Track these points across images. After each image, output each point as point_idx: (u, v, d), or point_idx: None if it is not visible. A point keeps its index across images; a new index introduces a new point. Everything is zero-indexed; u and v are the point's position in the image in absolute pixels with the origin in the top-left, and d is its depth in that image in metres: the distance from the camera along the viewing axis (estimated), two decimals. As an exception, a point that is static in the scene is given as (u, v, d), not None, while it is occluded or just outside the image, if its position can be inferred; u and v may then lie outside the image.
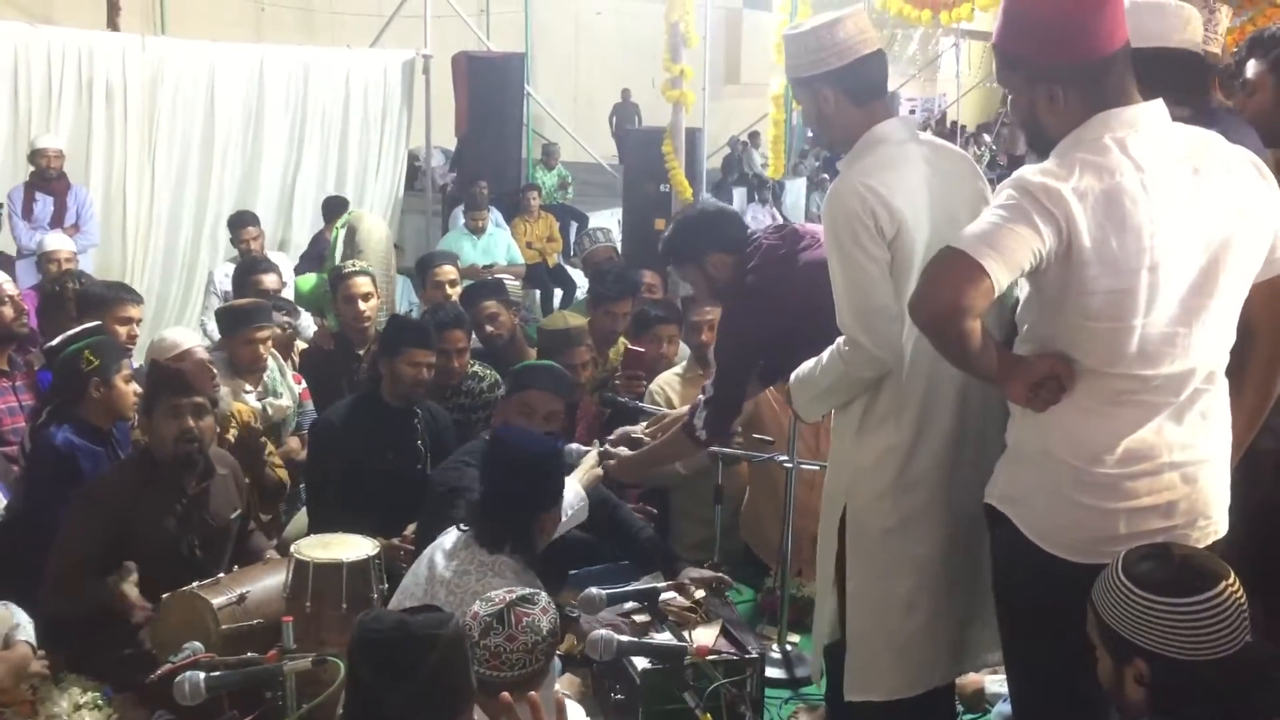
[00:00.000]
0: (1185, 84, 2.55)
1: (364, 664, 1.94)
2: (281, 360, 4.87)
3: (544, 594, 2.59)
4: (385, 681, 1.92)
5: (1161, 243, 2.01)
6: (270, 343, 4.71)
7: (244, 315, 4.65)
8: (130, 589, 3.24)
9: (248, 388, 4.59)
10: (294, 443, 4.61)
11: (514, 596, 2.51)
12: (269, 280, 5.54)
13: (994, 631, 2.59)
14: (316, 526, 3.97)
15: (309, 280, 6.80)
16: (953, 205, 2.47)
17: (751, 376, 3.19)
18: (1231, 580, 1.87)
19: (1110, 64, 2.08)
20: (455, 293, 5.48)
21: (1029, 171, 2.06)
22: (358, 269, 5.28)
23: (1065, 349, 2.11)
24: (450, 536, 3.08)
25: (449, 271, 5.61)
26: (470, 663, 2.13)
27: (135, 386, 3.84)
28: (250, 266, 5.70)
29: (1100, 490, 2.11)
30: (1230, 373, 2.17)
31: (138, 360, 4.70)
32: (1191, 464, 2.12)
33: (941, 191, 2.48)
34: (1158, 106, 2.12)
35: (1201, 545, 2.13)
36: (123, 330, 4.54)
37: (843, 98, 2.56)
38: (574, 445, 3.73)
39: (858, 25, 2.55)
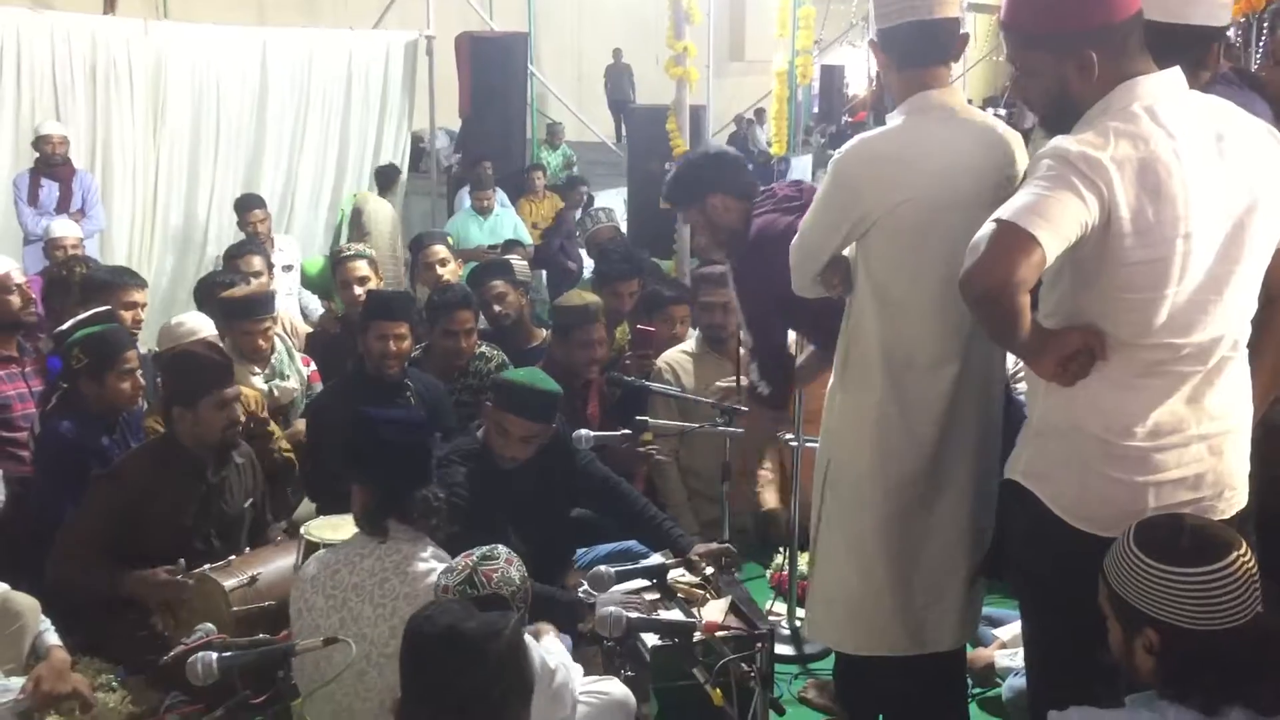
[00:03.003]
0: (1196, 58, 2.53)
1: (420, 667, 1.98)
2: (289, 343, 4.88)
3: (500, 546, 2.66)
4: (445, 684, 1.98)
5: (1195, 211, 2.00)
6: (273, 330, 4.71)
7: (244, 306, 4.63)
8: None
9: (255, 370, 4.60)
10: (301, 425, 4.62)
11: (474, 558, 2.57)
12: (257, 262, 5.54)
13: (957, 616, 2.66)
14: (322, 508, 3.99)
15: (316, 263, 6.81)
16: (984, 182, 2.42)
17: (778, 323, 3.18)
18: (1243, 550, 1.87)
19: (1130, 27, 2.07)
20: (446, 272, 5.45)
21: (1067, 141, 2.02)
22: (354, 252, 5.28)
23: (1096, 321, 2.09)
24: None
25: (438, 251, 5.59)
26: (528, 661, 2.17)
27: (138, 378, 3.84)
28: (238, 249, 5.68)
29: (1130, 464, 2.10)
30: (1250, 339, 2.16)
31: (146, 345, 4.71)
32: (1218, 435, 2.12)
33: (959, 169, 2.44)
34: (1176, 74, 2.10)
35: (1227, 516, 2.13)
36: (128, 315, 4.54)
37: (891, 59, 2.53)
38: (583, 431, 3.73)
39: None
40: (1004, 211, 1.99)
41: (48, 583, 3.30)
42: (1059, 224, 1.94)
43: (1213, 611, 1.83)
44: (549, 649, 2.77)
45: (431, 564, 2.72)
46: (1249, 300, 2.12)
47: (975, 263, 2.00)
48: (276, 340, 4.74)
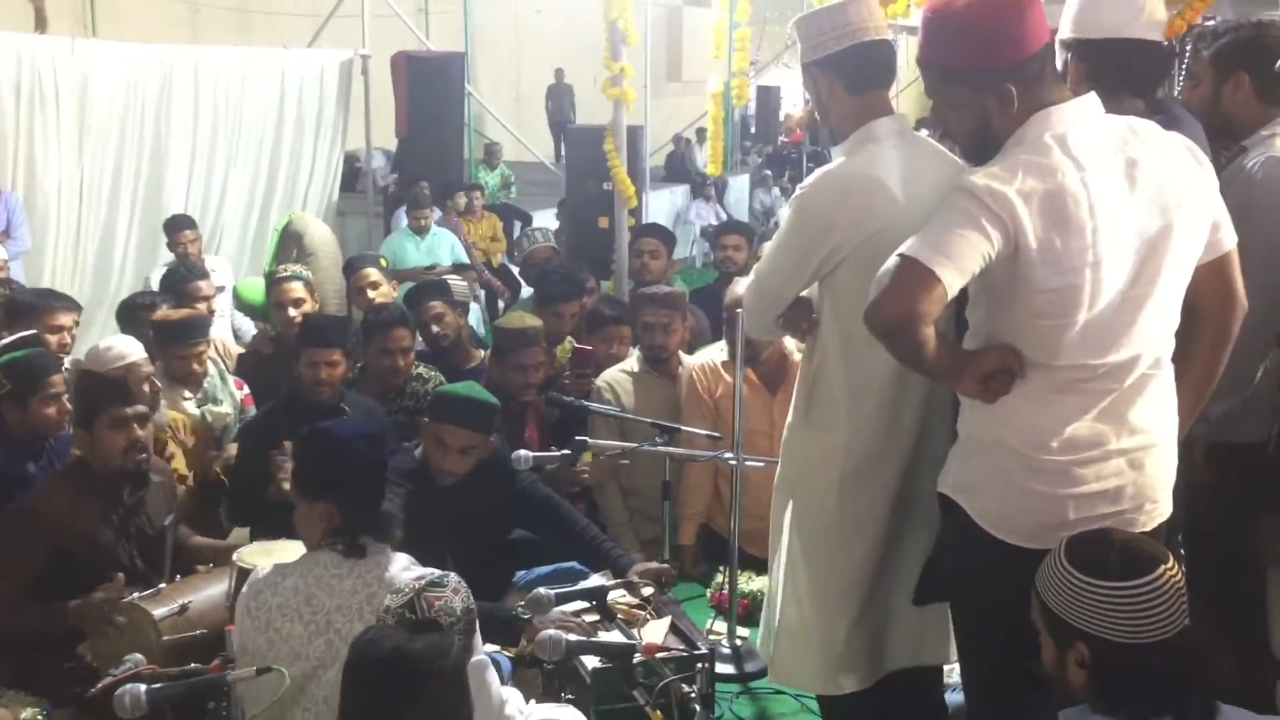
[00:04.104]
0: (1144, 75, 2.60)
1: (363, 690, 1.94)
2: (223, 366, 4.80)
3: (452, 574, 2.59)
4: (388, 709, 1.93)
5: (1103, 238, 2.04)
6: (206, 354, 4.62)
7: (180, 330, 4.52)
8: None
9: (187, 394, 4.51)
10: (234, 450, 4.54)
11: (422, 583, 2.51)
12: (205, 287, 5.45)
13: (915, 636, 2.67)
14: (253, 533, 3.92)
15: (256, 289, 6.66)
16: (930, 209, 2.45)
17: None
18: (1170, 565, 1.91)
19: (1045, 58, 2.13)
20: (377, 295, 5.38)
21: (976, 175, 2.08)
22: (290, 274, 5.20)
23: (1012, 343, 2.14)
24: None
25: (369, 274, 5.52)
26: (467, 689, 2.13)
27: (64, 403, 3.75)
28: (184, 274, 5.54)
29: (1049, 477, 2.15)
30: (1176, 354, 2.22)
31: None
32: (1138, 450, 2.16)
33: (924, 194, 2.42)
34: (1091, 100, 2.16)
35: (1148, 528, 2.18)
36: (53, 339, 4.43)
37: (838, 84, 2.52)
38: (522, 452, 3.70)
39: (867, 9, 2.50)
40: (908, 246, 2.04)
41: None
42: (959, 259, 2.00)
43: (1141, 625, 1.86)
44: (492, 681, 2.74)
45: (415, 570, 2.66)
46: (1168, 319, 2.17)
47: (878, 297, 2.05)
48: (210, 364, 4.66)
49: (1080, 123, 2.12)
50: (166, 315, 4.61)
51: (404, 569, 2.67)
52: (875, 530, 2.57)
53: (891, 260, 2.05)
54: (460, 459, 3.62)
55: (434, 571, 2.58)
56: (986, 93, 2.13)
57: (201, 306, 5.17)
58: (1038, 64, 2.12)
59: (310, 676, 2.55)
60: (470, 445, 3.63)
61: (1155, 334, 2.15)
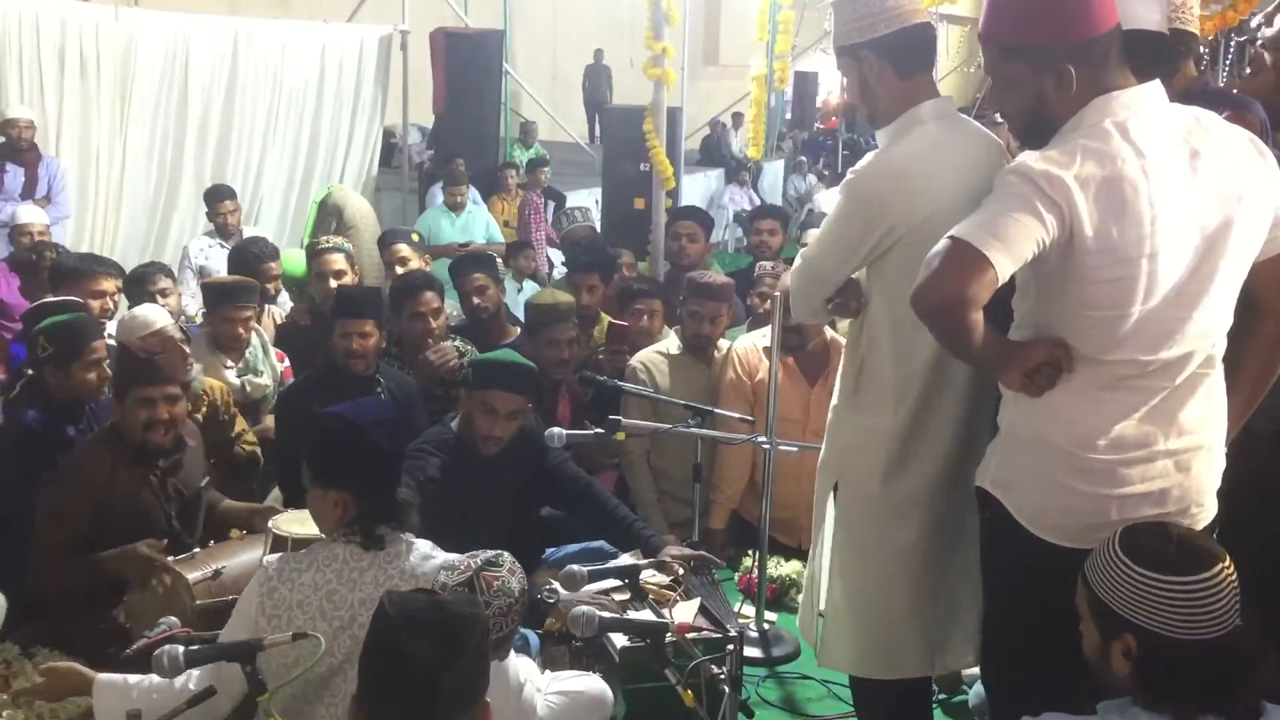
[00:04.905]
0: (1151, 65, 2.55)
1: (418, 641, 1.91)
2: (266, 338, 4.82)
3: (505, 554, 2.61)
4: (442, 657, 1.90)
5: (1161, 229, 2.00)
6: (252, 321, 4.66)
7: (231, 291, 4.60)
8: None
9: (228, 363, 4.55)
10: (270, 420, 4.58)
11: (479, 562, 2.53)
12: (275, 268, 5.47)
13: (974, 636, 2.60)
14: (290, 501, 3.95)
15: (299, 263, 6.69)
16: (979, 193, 2.38)
17: None
18: (1227, 563, 1.88)
19: (1109, 41, 2.08)
20: (405, 272, 5.35)
21: (1031, 158, 2.03)
22: (331, 245, 5.22)
23: (1062, 335, 2.10)
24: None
25: (399, 250, 5.55)
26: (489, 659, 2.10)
27: (105, 369, 3.78)
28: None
29: (1094, 476, 2.10)
30: (1228, 353, 2.16)
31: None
32: (1186, 451, 2.12)
33: (972, 178, 2.39)
34: (1155, 88, 2.11)
35: None
36: (96, 304, 4.49)
37: (888, 67, 2.47)
38: (556, 429, 3.71)
39: None
40: (959, 229, 1.99)
41: (32, 595, 3.26)
42: (1013, 244, 1.95)
43: (1195, 621, 1.83)
44: (518, 663, 2.74)
45: (437, 558, 2.62)
46: (1223, 317, 2.12)
47: (927, 279, 2.01)
48: (254, 334, 4.69)
49: (1142, 110, 2.06)
50: (215, 280, 4.67)
51: (424, 558, 2.61)
52: (920, 517, 2.54)
53: (942, 242, 2.01)
54: (507, 424, 3.66)
55: (486, 552, 2.58)
56: (1045, 72, 2.08)
57: (270, 286, 5.26)
58: (1102, 46, 2.07)
59: (335, 672, 2.48)
60: (517, 409, 3.68)
61: (1209, 331, 2.10)
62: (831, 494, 2.64)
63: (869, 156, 2.53)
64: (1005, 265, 1.97)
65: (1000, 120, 3.06)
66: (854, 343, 2.62)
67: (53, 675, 2.68)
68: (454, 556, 2.64)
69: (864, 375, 2.57)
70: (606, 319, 5.09)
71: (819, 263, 2.56)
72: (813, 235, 5.41)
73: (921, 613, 2.58)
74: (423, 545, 2.65)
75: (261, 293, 4.97)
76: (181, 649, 2.32)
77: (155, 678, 2.44)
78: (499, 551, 2.61)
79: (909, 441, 2.52)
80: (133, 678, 2.58)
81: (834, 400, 2.70)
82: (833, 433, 2.68)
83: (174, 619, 2.72)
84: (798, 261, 2.66)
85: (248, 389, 4.54)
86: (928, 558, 2.55)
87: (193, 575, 3.14)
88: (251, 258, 5.38)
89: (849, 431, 2.62)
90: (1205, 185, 2.04)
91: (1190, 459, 2.12)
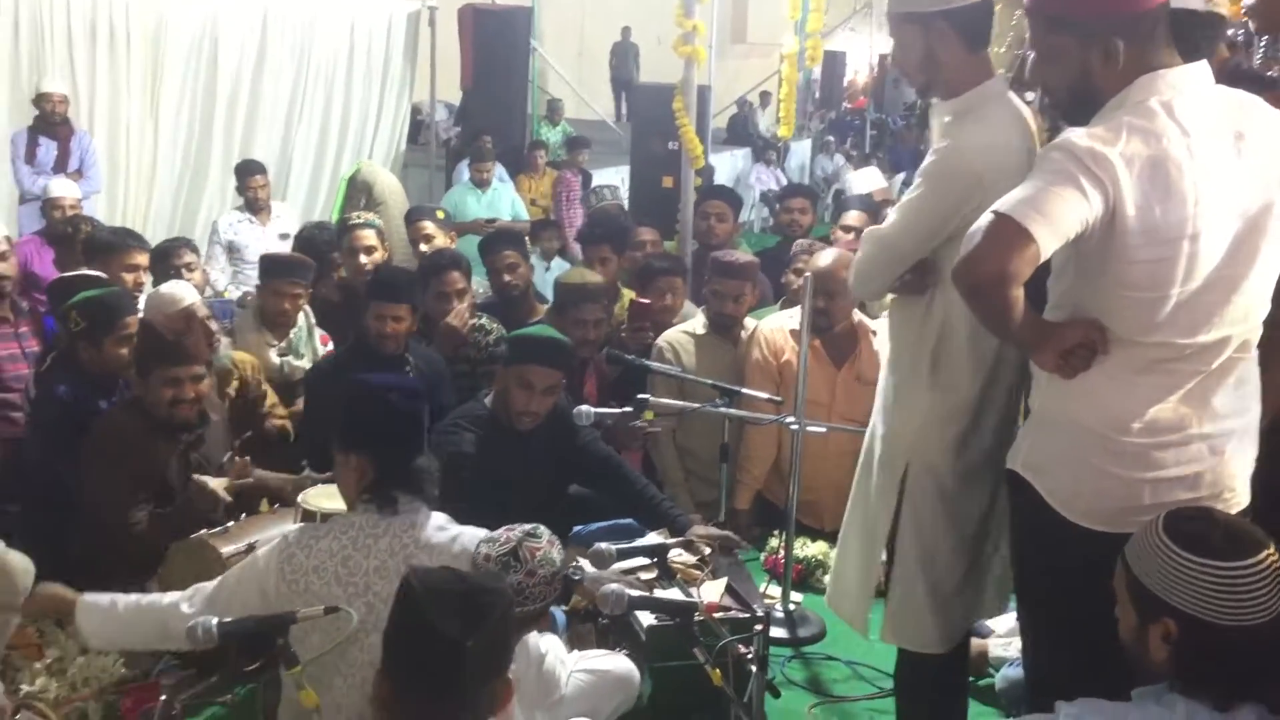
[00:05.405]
0: (1200, 46, 2.51)
1: (442, 614, 1.92)
2: (313, 320, 4.83)
3: (542, 527, 2.65)
4: (466, 630, 1.90)
5: (1204, 211, 1.97)
6: (302, 300, 4.67)
7: (285, 266, 4.64)
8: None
9: (272, 341, 4.58)
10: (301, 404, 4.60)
11: (520, 533, 2.57)
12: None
13: (995, 594, 2.66)
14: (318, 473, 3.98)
15: None
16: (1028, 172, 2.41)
17: None
18: (1272, 550, 1.85)
19: (1157, 17, 2.05)
20: (430, 248, 5.37)
21: (1076, 135, 2.01)
22: (362, 221, 5.23)
23: (1098, 316, 2.08)
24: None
25: (424, 227, 5.55)
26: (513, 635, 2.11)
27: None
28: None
29: (1127, 459, 2.09)
30: (1263, 339, 2.14)
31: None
32: (1220, 435, 2.10)
33: (1026, 156, 2.38)
34: (1201, 68, 2.08)
35: None
36: (129, 278, 4.51)
37: (959, 39, 2.43)
38: (584, 407, 3.72)
39: None
40: (1003, 204, 1.97)
41: (84, 553, 3.31)
42: (1057, 220, 1.93)
43: (1239, 607, 1.81)
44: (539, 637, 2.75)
45: (452, 530, 2.64)
46: (1261, 302, 2.10)
47: (969, 253, 1.99)
48: (301, 315, 4.70)
49: (1188, 90, 2.04)
50: (271, 253, 4.71)
51: (439, 529, 2.62)
52: (982, 494, 2.54)
53: (984, 217, 1.99)
54: (544, 399, 3.68)
55: (523, 525, 2.62)
56: (1092, 45, 2.05)
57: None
58: (1150, 22, 2.04)
59: (351, 640, 2.46)
60: (554, 384, 3.71)
61: (1248, 315, 2.08)
62: (899, 477, 2.59)
63: (956, 133, 2.46)
64: (1048, 241, 1.95)
65: (1029, 100, 3.01)
66: (920, 321, 2.55)
67: (34, 599, 2.71)
68: (478, 530, 2.65)
69: (940, 353, 2.52)
70: (628, 295, 5.08)
71: (899, 240, 2.51)
72: (854, 217, 5.37)
73: (970, 579, 2.60)
74: (438, 517, 2.66)
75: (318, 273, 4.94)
76: (215, 620, 2.34)
77: (143, 596, 2.56)
78: (535, 524, 2.63)
79: (979, 415, 2.51)
80: (120, 597, 2.63)
81: (890, 381, 2.65)
82: (898, 415, 2.61)
83: (207, 591, 2.75)
84: (869, 240, 2.61)
85: (285, 370, 4.57)
86: (982, 526, 2.57)
87: (226, 549, 3.17)
88: (322, 243, 5.33)
89: (923, 409, 2.55)
90: (1248, 168, 2.02)
91: (1224, 443, 2.10)
